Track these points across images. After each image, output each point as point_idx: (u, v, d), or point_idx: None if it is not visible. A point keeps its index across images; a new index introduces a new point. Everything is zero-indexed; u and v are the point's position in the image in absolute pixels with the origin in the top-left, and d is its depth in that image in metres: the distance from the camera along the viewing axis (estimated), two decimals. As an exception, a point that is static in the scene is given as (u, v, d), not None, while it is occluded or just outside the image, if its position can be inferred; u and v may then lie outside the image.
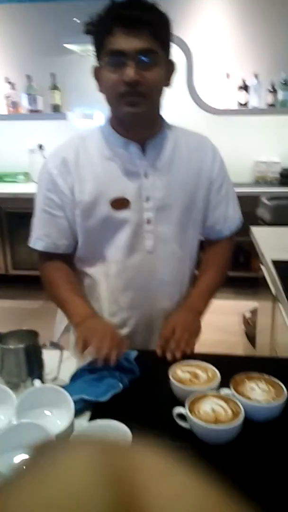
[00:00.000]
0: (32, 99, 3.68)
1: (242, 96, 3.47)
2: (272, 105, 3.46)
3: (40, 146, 3.96)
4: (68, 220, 1.06)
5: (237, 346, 2.78)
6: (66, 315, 1.08)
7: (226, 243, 1.21)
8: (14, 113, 3.77)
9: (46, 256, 1.11)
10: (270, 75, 3.43)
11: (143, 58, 0.91)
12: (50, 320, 1.24)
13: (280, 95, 3.42)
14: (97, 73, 0.99)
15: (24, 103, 3.72)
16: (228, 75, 3.45)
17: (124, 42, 0.90)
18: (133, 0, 0.92)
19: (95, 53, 0.97)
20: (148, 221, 1.05)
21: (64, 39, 3.47)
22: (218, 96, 3.49)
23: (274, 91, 3.43)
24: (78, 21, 3.56)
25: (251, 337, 2.61)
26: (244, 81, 3.44)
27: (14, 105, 3.76)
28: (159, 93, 0.98)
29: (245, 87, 3.45)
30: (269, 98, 3.45)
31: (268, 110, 3.48)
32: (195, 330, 1.07)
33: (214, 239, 1.20)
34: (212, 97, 3.48)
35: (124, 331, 1.12)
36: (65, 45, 3.53)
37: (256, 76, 3.43)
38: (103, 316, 1.11)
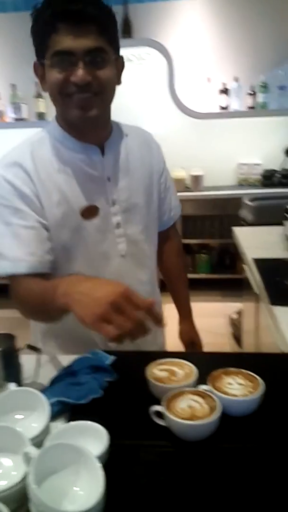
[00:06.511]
0: (16, 108, 3.68)
1: (223, 100, 3.51)
2: (252, 108, 3.51)
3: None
4: (46, 229, 0.94)
5: (225, 348, 2.78)
6: (49, 299, 0.84)
7: (173, 236, 1.26)
8: (-1, 122, 3.75)
9: (26, 282, 0.93)
10: (249, 79, 3.48)
11: (92, 57, 0.85)
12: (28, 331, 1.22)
13: (260, 97, 3.48)
14: (39, 71, 0.92)
15: (9, 112, 3.71)
16: (209, 79, 3.49)
17: (71, 41, 0.83)
18: None
19: (35, 50, 0.89)
20: (118, 225, 1.02)
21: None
22: (200, 100, 3.52)
23: (253, 94, 3.48)
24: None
25: (238, 338, 2.61)
26: (224, 85, 3.48)
27: (-1, 114, 3.75)
28: (111, 92, 0.93)
29: (225, 91, 3.50)
30: (249, 101, 3.50)
31: (249, 113, 3.53)
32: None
33: (161, 230, 1.20)
34: (194, 101, 3.51)
35: None
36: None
37: (236, 79, 3.48)
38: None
